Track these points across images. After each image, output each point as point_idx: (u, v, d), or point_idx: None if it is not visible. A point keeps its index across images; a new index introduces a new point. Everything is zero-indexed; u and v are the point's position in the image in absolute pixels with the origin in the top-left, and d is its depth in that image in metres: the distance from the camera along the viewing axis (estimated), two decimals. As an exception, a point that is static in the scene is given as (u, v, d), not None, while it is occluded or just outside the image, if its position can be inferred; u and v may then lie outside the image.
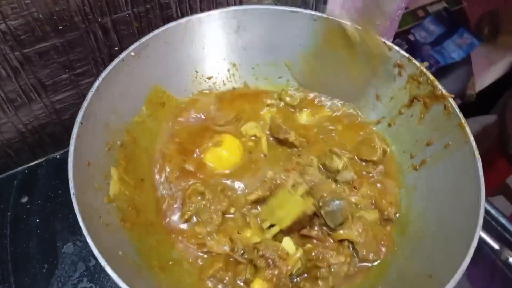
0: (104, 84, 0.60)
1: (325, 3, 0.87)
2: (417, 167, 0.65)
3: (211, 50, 0.74)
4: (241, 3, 0.86)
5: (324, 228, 0.61)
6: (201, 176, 0.66)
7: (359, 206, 0.63)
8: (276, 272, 0.54)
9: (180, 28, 0.69)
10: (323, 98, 0.77)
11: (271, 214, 0.60)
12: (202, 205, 0.62)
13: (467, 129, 0.59)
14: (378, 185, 0.66)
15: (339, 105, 0.76)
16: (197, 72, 0.74)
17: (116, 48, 0.77)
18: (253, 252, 0.56)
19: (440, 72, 1.48)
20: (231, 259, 0.59)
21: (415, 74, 0.66)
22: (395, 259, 0.59)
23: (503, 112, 1.24)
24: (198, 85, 0.75)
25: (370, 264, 0.59)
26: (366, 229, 0.60)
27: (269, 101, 0.76)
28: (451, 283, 0.46)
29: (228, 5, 0.84)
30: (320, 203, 0.60)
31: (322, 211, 0.60)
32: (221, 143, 0.68)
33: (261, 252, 0.55)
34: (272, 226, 0.60)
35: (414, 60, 0.66)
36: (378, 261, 0.59)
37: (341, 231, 0.59)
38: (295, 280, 0.57)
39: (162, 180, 0.66)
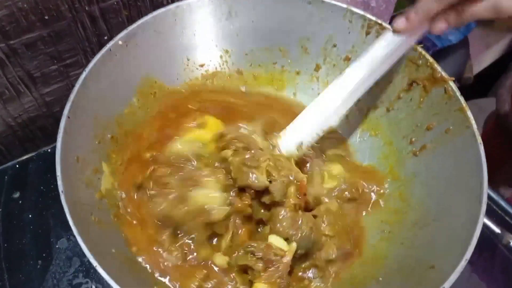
0: (92, 76, 0.58)
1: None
2: (417, 152, 0.63)
3: (202, 37, 0.71)
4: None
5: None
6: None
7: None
8: (277, 274, 0.52)
9: (169, 14, 0.67)
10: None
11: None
12: None
13: (469, 113, 0.57)
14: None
15: None
16: (188, 59, 0.72)
17: (106, 38, 0.75)
18: (245, 257, 0.53)
19: (438, 55, 1.46)
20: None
21: (413, 57, 0.64)
22: (394, 249, 0.58)
23: (498, 92, 1.23)
24: (190, 73, 0.73)
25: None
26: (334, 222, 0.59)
27: None
28: (454, 274, 0.45)
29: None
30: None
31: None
32: (205, 125, 0.66)
33: (257, 255, 0.52)
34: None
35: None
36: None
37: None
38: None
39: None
